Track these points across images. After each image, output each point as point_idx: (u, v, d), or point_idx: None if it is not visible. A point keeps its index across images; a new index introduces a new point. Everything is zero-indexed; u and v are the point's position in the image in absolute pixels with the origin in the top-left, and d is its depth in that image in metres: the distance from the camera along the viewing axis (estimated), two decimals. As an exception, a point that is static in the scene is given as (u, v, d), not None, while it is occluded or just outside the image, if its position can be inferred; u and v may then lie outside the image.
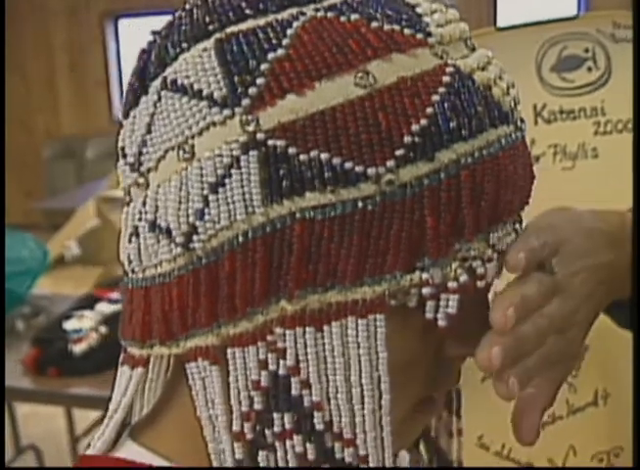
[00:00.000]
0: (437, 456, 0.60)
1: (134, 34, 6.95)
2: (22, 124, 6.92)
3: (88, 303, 2.46)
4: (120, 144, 0.47)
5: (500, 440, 0.88)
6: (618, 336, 0.87)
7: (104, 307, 2.41)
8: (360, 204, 0.40)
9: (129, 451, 0.49)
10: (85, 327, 2.28)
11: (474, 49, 0.45)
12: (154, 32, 0.46)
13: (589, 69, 0.81)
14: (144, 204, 0.44)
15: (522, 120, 0.46)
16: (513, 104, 0.45)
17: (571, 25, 0.80)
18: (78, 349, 2.20)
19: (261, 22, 0.42)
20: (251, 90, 0.41)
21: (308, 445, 0.43)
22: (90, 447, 0.51)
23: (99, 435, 0.50)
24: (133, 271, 0.46)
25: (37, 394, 2.21)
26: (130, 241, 0.46)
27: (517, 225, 0.47)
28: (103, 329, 2.27)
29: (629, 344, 0.86)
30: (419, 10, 0.44)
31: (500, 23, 5.57)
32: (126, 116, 0.46)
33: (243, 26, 0.42)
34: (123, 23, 6.93)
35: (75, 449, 2.57)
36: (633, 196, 0.87)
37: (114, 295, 2.51)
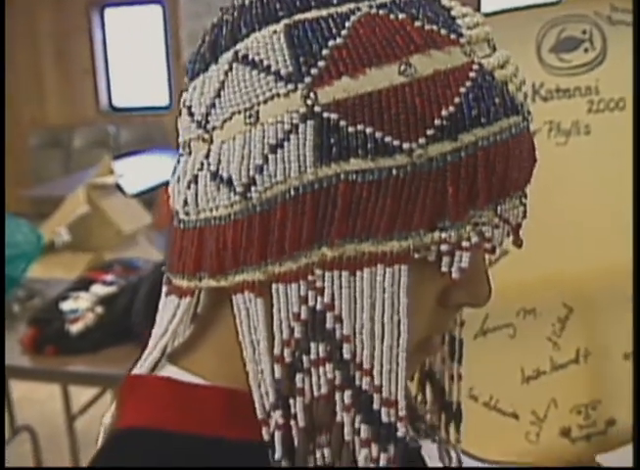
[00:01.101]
0: (441, 396, 0.67)
1: (120, 24, 6.96)
2: (9, 113, 6.92)
3: (83, 285, 2.50)
4: (187, 103, 0.53)
5: (488, 392, 0.94)
6: (600, 300, 0.94)
7: (98, 289, 2.45)
8: (394, 171, 0.47)
9: (169, 373, 0.56)
10: (81, 307, 2.32)
11: (495, 49, 0.52)
12: (223, 9, 0.53)
13: (586, 50, 0.86)
14: (207, 156, 0.51)
15: (529, 112, 0.53)
16: (523, 98, 0.52)
17: (571, 8, 0.85)
18: (75, 328, 2.25)
19: (324, 12, 0.48)
20: (313, 70, 0.47)
21: (337, 372, 0.49)
22: (136, 368, 0.57)
23: (145, 356, 0.57)
24: (187, 214, 0.53)
25: (35, 371, 2.26)
26: (189, 187, 0.52)
27: (523, 199, 0.54)
28: (99, 309, 2.31)
29: (610, 307, 0.93)
30: (453, 13, 0.51)
31: (485, 8, 5.62)
32: (193, 79, 0.53)
33: (308, 15, 0.49)
34: (109, 12, 6.93)
35: (72, 428, 2.61)
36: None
37: (109, 277, 2.55)
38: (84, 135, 6.77)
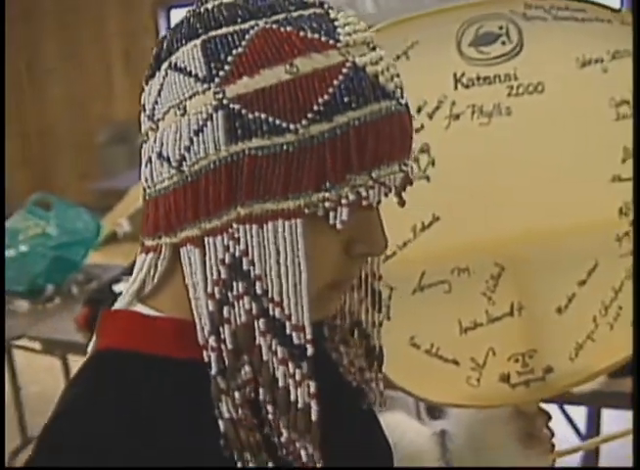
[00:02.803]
0: (366, 341, 0.82)
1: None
2: (79, 110, 7.24)
3: (135, 269, 2.70)
4: (142, 102, 0.69)
5: (429, 340, 1.04)
6: (530, 260, 1.06)
7: (149, 273, 2.64)
8: (285, 147, 0.61)
9: (136, 308, 0.74)
10: (132, 289, 2.52)
11: (374, 49, 0.66)
12: (168, 29, 0.69)
13: (503, 42, 0.96)
14: (154, 141, 0.66)
15: (402, 97, 0.67)
16: (394, 87, 0.66)
17: (487, 8, 0.96)
18: (125, 308, 2.44)
19: (230, 29, 0.63)
20: (221, 73, 0.62)
21: (253, 304, 0.65)
22: (113, 307, 0.75)
23: (120, 298, 0.75)
24: (149, 187, 0.69)
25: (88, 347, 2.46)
26: (147, 166, 0.68)
27: (403, 167, 0.67)
28: (147, 291, 2.51)
29: (540, 266, 1.05)
30: (336, 23, 0.64)
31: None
32: (146, 83, 0.69)
33: (219, 32, 0.63)
34: (175, 12, 7.16)
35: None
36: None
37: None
38: (150, 131, 7.01)
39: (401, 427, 1.07)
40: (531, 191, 1.03)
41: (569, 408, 2.92)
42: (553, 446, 1.07)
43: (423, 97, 0.97)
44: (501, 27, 0.98)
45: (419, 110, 0.96)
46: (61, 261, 2.85)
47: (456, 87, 0.97)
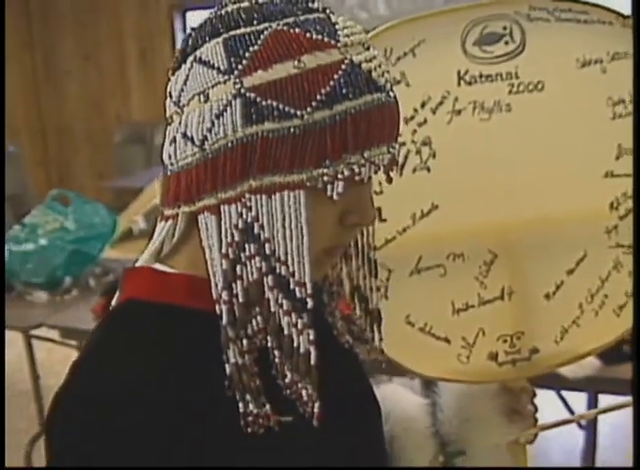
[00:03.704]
0: (365, 303, 0.91)
1: (200, 25, 7.23)
2: (96, 110, 7.32)
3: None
4: (169, 90, 0.79)
5: (423, 319, 1.10)
6: (522, 248, 1.11)
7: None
8: (292, 130, 0.71)
9: (155, 266, 0.83)
10: (147, 281, 2.59)
11: (368, 48, 0.76)
12: (192, 28, 0.78)
13: (506, 42, 1.02)
14: (179, 123, 0.76)
15: (391, 90, 0.76)
16: (385, 81, 0.75)
17: (492, 9, 1.02)
18: (140, 299, 2.51)
19: (248, 29, 0.73)
20: (240, 66, 0.72)
21: (263, 263, 0.74)
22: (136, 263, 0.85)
23: (140, 258, 0.84)
24: (172, 164, 0.78)
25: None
26: (170, 145, 0.78)
27: (391, 149, 0.77)
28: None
29: (531, 254, 1.11)
30: (337, 26, 0.75)
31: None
32: (173, 74, 0.79)
33: (238, 31, 0.73)
34: (190, 14, 7.23)
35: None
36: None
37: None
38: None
39: (396, 396, 1.15)
40: (527, 184, 1.09)
41: (569, 397, 2.98)
42: (536, 420, 1.14)
43: (427, 93, 1.03)
44: (505, 28, 1.04)
45: (423, 105, 1.03)
46: (78, 255, 2.93)
47: (459, 84, 1.04)
